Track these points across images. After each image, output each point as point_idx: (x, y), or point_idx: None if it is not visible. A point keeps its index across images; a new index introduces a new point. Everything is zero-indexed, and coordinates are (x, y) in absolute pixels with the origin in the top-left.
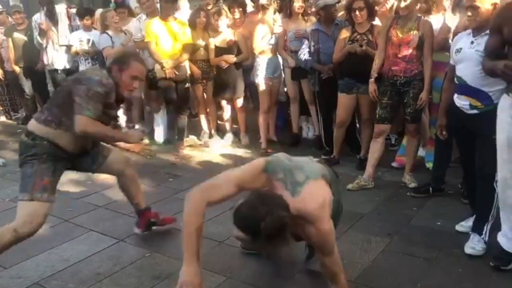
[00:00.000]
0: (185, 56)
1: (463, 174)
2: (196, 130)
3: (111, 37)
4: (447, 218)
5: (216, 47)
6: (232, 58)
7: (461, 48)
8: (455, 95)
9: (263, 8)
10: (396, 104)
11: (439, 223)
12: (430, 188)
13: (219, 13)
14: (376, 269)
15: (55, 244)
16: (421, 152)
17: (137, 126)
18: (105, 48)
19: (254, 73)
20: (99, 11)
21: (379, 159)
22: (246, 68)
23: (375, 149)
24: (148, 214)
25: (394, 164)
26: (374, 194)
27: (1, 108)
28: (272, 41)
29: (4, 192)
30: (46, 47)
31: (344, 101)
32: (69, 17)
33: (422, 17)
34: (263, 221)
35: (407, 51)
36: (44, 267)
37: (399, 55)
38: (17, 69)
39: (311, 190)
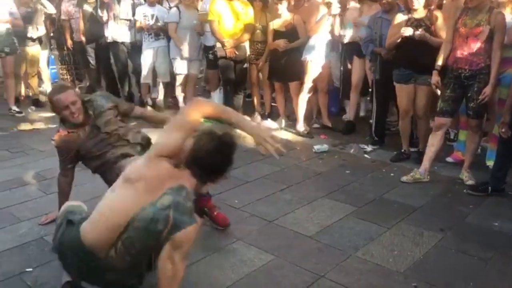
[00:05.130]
0: (246, 36)
1: None
2: (251, 110)
3: (180, 12)
4: (506, 219)
5: (275, 30)
6: (286, 44)
7: None
8: None
9: None
10: (458, 97)
11: (496, 224)
12: (489, 187)
13: None
14: (426, 264)
15: None
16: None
17: None
18: (170, 23)
19: (306, 52)
20: None
21: (436, 153)
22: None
23: (433, 143)
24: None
25: (449, 159)
26: (429, 188)
27: (68, 77)
28: (328, 23)
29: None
30: (107, 20)
31: (402, 90)
32: None
33: (495, 9)
34: None
35: (474, 44)
36: None
37: (466, 47)
38: (84, 40)
39: None
